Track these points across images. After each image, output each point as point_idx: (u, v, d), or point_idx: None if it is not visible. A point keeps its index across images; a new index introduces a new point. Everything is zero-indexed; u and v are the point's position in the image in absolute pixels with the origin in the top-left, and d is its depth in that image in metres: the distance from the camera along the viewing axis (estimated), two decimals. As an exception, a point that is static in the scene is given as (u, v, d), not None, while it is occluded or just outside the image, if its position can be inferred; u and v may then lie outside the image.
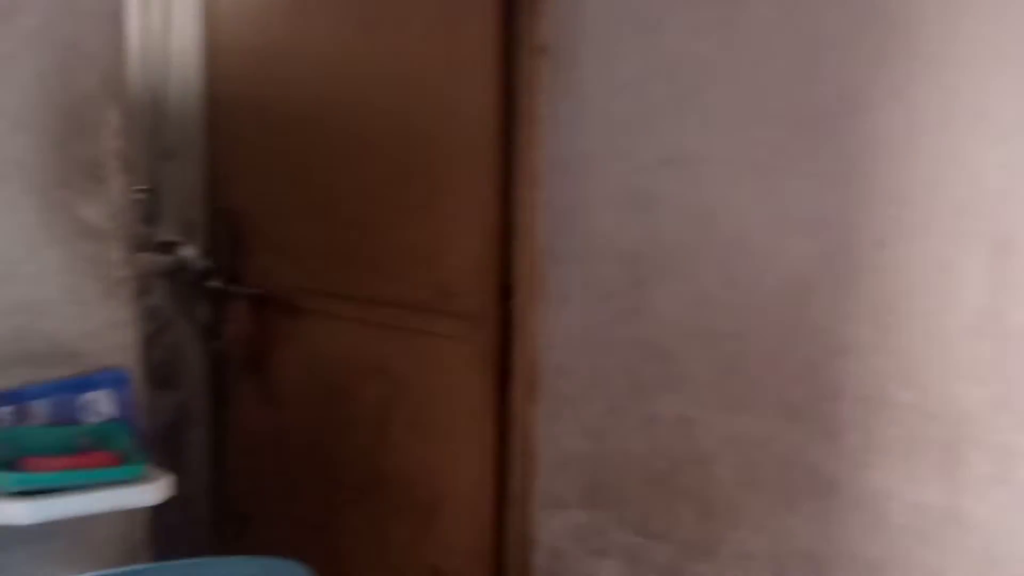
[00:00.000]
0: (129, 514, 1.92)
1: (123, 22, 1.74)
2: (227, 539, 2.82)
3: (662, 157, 1.99)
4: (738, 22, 1.87)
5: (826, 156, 1.79)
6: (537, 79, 2.13)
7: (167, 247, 2.77)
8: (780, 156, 1.84)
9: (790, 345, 1.86)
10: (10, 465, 1.70)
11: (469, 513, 2.33)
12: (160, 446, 2.53)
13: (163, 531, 2.16)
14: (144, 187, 2.63)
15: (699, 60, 1.92)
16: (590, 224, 2.10)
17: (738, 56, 1.87)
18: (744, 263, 1.90)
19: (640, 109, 2.01)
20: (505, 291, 2.25)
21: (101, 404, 1.89)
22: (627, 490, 2.10)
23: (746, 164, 1.88)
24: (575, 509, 2.18)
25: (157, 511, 1.97)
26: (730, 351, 1.93)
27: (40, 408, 1.84)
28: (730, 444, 1.94)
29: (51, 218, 1.74)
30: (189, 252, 2.75)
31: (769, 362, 1.88)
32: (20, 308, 1.75)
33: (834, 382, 1.81)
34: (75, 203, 1.76)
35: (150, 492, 1.77)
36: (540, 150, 2.15)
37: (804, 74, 1.80)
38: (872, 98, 1.72)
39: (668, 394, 2.02)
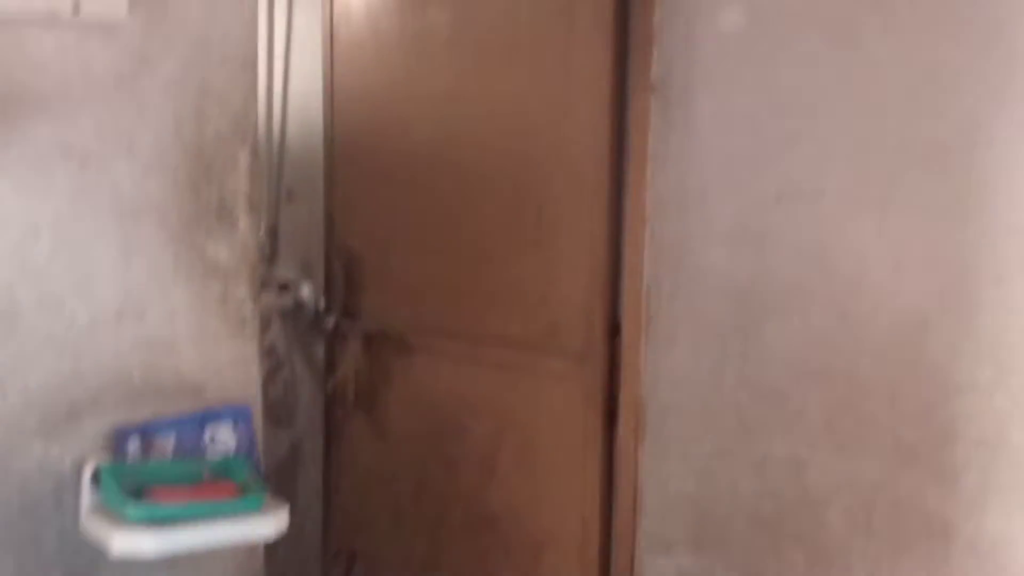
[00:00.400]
0: (246, 547, 1.98)
1: (255, 68, 1.82)
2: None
3: (775, 193, 1.99)
4: (853, 56, 1.87)
5: (944, 191, 1.77)
6: (648, 117, 2.16)
7: (285, 286, 2.85)
8: (897, 191, 1.82)
9: (906, 385, 1.83)
10: (137, 496, 1.77)
11: (575, 553, 2.33)
12: (274, 482, 2.59)
13: (275, 566, 2.21)
14: (265, 227, 2.72)
15: (814, 95, 1.92)
16: (700, 261, 2.11)
17: (854, 90, 1.87)
18: (859, 300, 1.88)
19: (752, 144, 2.02)
20: (613, 329, 2.27)
21: (224, 438, 1.95)
22: (735, 533, 2.08)
23: (862, 199, 1.87)
24: (681, 551, 2.16)
25: (270, 547, 2.02)
26: (843, 391, 1.91)
27: (166, 441, 1.91)
28: (843, 487, 1.91)
29: (181, 257, 1.82)
30: (306, 291, 2.83)
31: (884, 402, 1.86)
32: (151, 344, 1.83)
33: (951, 423, 1.78)
34: (205, 243, 1.83)
35: (269, 524, 1.81)
36: (649, 187, 2.17)
37: (922, 108, 1.79)
38: (992, 132, 1.70)
39: (779, 435, 2.00)
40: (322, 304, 2.81)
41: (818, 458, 1.95)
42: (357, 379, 2.73)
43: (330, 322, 2.79)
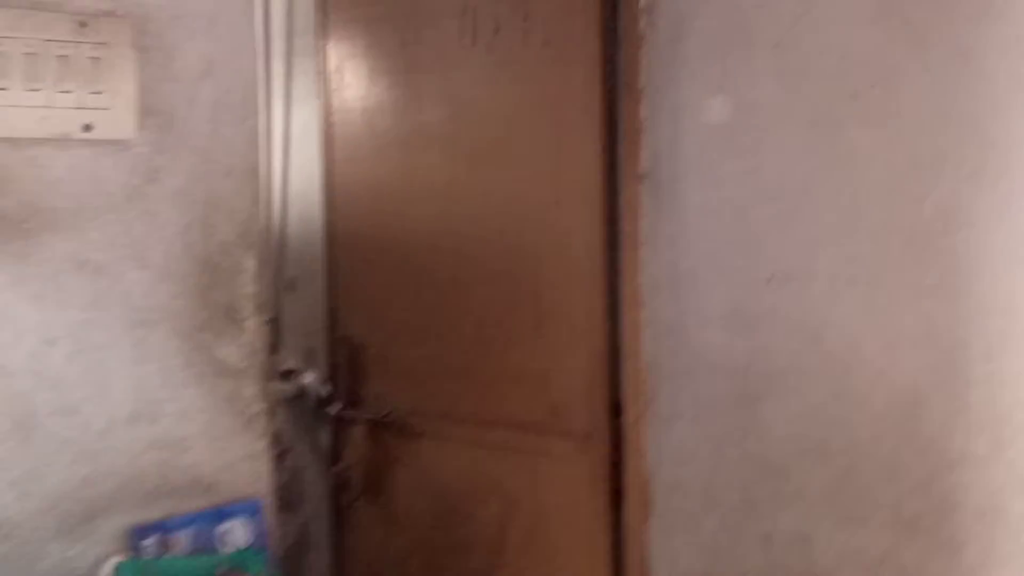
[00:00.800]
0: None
1: (258, 177, 1.88)
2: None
3: (766, 275, 2.04)
4: (835, 144, 1.94)
5: (930, 271, 1.83)
6: (638, 204, 2.22)
7: (288, 374, 2.89)
8: (885, 272, 1.88)
9: (904, 458, 1.87)
10: (154, 595, 1.80)
11: (586, 633, 2.35)
12: (283, 570, 2.60)
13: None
14: (268, 317, 2.76)
15: (798, 182, 1.99)
16: (696, 341, 2.15)
17: (837, 177, 1.94)
18: (854, 378, 1.93)
19: (741, 229, 2.08)
20: (615, 409, 2.31)
21: (237, 533, 1.98)
22: (745, 607, 2.10)
23: (851, 280, 1.93)
24: (693, 628, 2.18)
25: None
26: (844, 466, 1.95)
27: (181, 539, 1.94)
28: (848, 560, 1.94)
29: (193, 360, 1.87)
30: (310, 379, 2.86)
31: (884, 476, 1.89)
32: (164, 445, 1.87)
33: (951, 495, 1.81)
34: (214, 345, 1.88)
35: (284, 618, 1.84)
36: (643, 271, 2.22)
37: (904, 192, 1.86)
38: (973, 215, 1.77)
39: (783, 511, 2.03)
40: (326, 391, 2.85)
41: (822, 532, 1.98)
42: (363, 465, 2.76)
43: (334, 408, 2.82)
